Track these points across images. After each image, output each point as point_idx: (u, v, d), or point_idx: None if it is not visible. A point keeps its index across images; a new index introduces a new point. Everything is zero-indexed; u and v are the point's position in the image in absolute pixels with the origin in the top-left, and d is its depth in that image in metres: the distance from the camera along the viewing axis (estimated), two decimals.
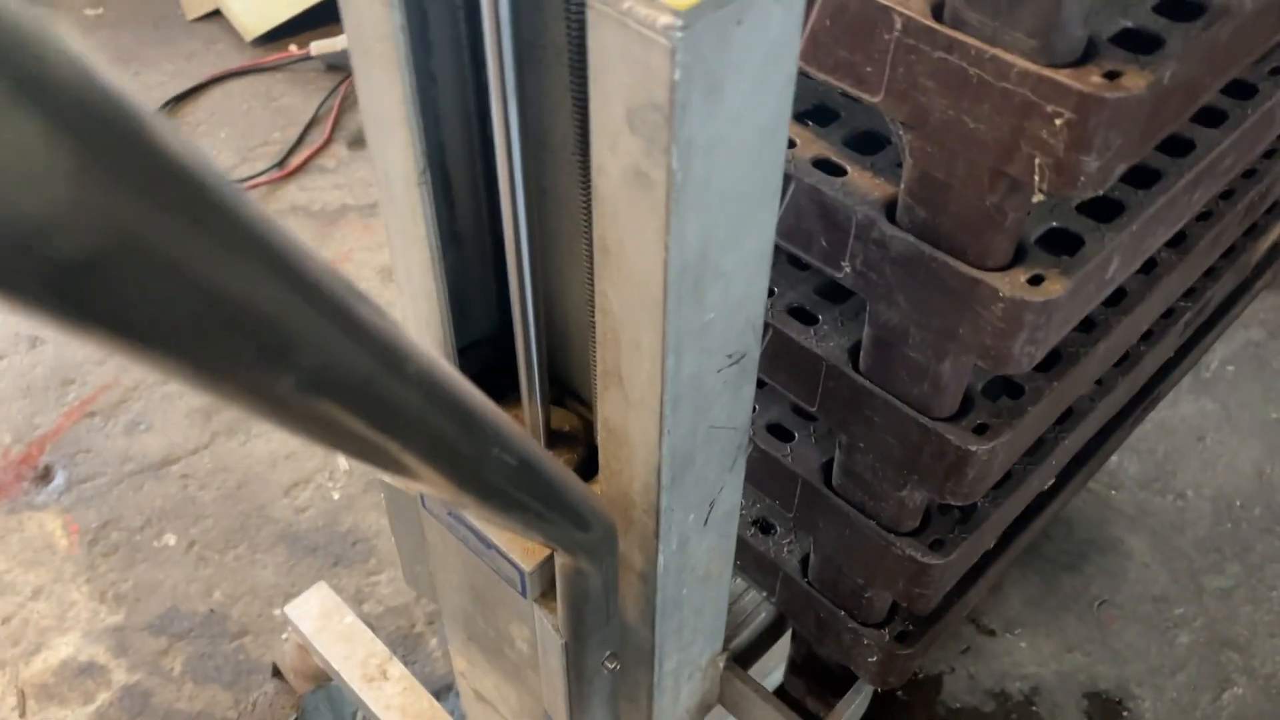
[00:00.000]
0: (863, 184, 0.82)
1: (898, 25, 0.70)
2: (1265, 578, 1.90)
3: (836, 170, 0.83)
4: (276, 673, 1.51)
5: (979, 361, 0.81)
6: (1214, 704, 1.73)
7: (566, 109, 0.74)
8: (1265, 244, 1.36)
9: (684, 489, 0.83)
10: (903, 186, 0.78)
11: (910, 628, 1.12)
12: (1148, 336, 1.14)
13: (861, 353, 0.90)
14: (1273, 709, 1.72)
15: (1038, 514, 1.18)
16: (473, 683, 1.20)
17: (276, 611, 1.83)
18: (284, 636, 1.52)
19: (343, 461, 2.06)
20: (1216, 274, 1.23)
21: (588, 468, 0.94)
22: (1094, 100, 0.63)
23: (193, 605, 1.83)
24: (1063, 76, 0.64)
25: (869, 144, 0.85)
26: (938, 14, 0.69)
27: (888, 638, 1.10)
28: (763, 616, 1.31)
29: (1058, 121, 0.65)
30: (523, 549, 0.90)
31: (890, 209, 0.80)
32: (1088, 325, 0.97)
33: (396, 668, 1.41)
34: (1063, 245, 0.79)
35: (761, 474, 1.06)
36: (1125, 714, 1.72)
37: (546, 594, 0.92)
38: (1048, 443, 1.04)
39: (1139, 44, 0.69)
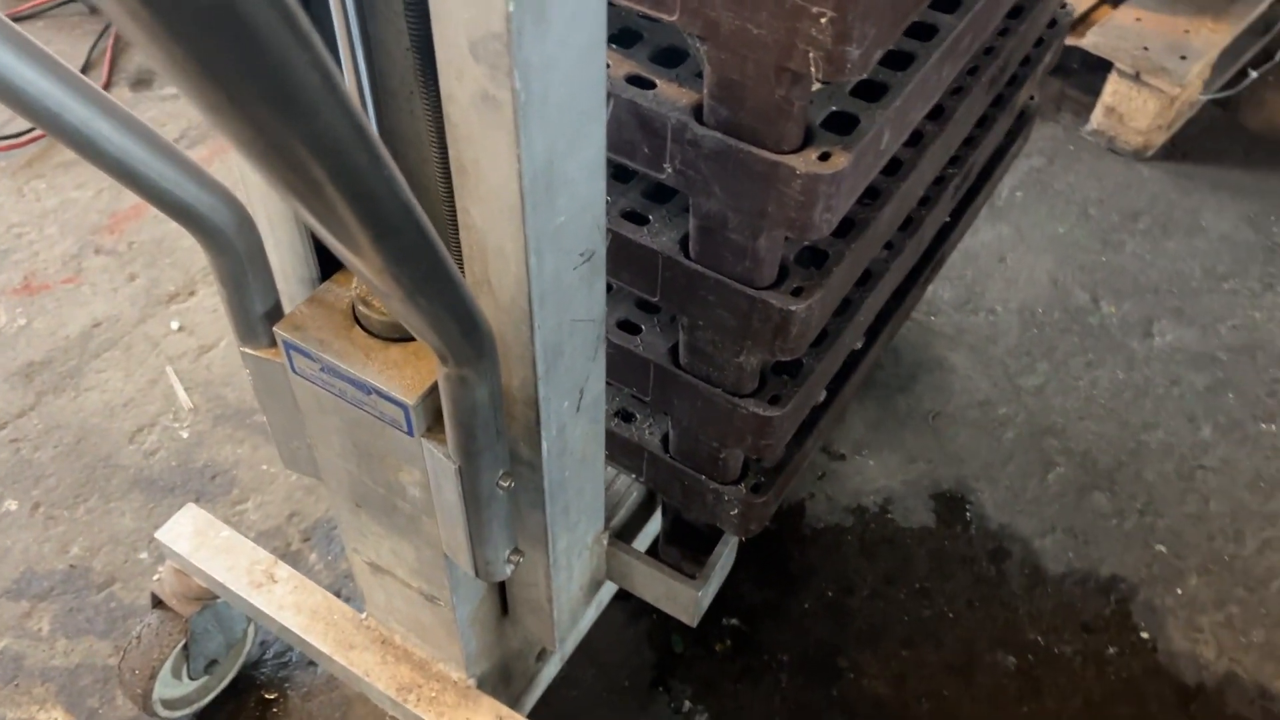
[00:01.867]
0: (671, 93, 0.93)
1: None
2: (1070, 371, 2.10)
3: (647, 84, 0.94)
4: (158, 603, 1.48)
5: (787, 233, 0.94)
6: (1042, 484, 1.92)
7: (402, 53, 0.82)
8: (1013, 113, 1.53)
9: (557, 379, 0.93)
10: (705, 91, 0.89)
11: (762, 480, 1.25)
12: (924, 202, 1.30)
13: (690, 242, 1.02)
14: (1090, 479, 1.92)
15: (854, 367, 1.34)
16: (367, 555, 1.22)
17: (143, 555, 1.78)
18: (158, 573, 1.49)
19: (185, 398, 2.00)
20: (975, 142, 1.39)
21: None
22: (849, 0, 0.76)
23: (49, 564, 1.76)
24: None
25: (671, 58, 0.97)
26: None
27: (744, 491, 1.23)
28: (634, 496, 1.41)
29: (823, 20, 0.77)
30: (403, 384, 0.92)
31: (697, 112, 0.91)
32: (873, 195, 1.12)
33: (283, 569, 1.41)
34: (842, 126, 0.92)
35: (619, 366, 1.16)
36: (968, 506, 1.88)
37: (433, 428, 0.95)
38: (854, 302, 1.21)
39: None
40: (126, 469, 1.90)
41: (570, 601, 1.31)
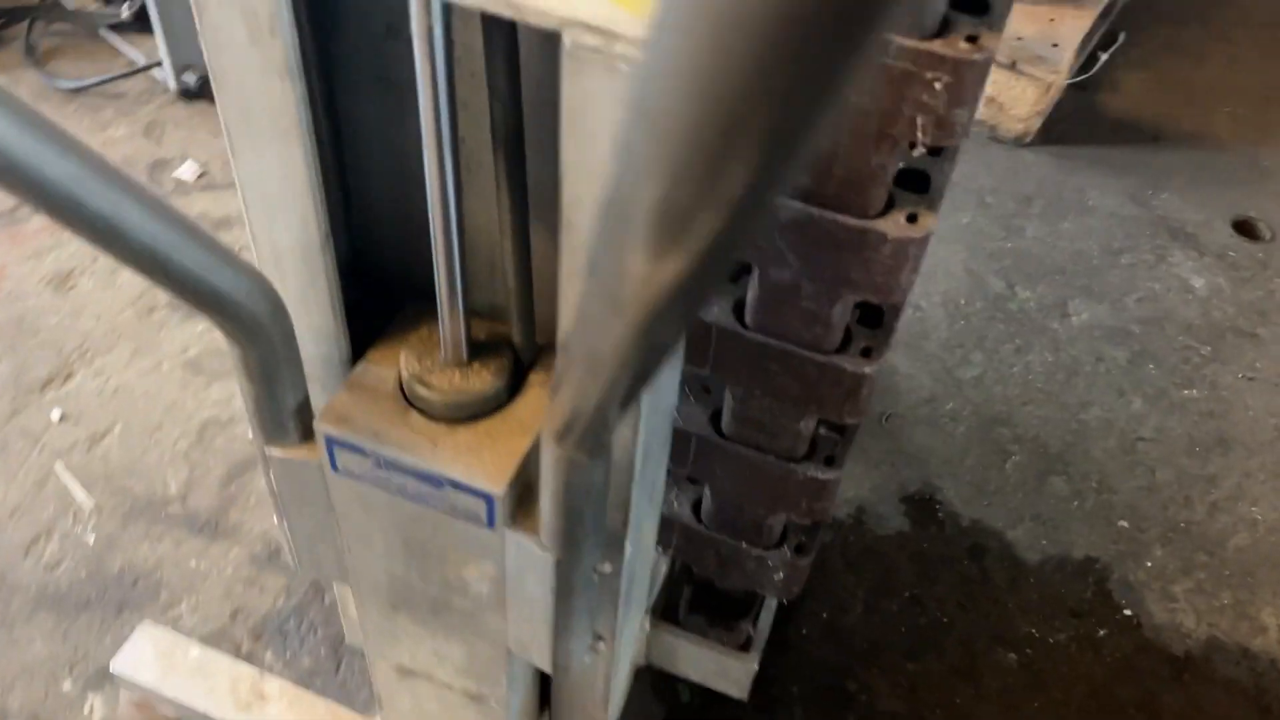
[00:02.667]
0: None
1: None
2: (1003, 358, 2.14)
3: None
4: None
5: (870, 297, 0.91)
6: (1002, 474, 1.93)
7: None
8: None
9: (644, 477, 0.90)
10: None
11: (803, 539, 1.22)
12: None
13: (748, 311, 0.98)
14: (1045, 464, 1.95)
15: None
16: (397, 659, 1.08)
17: (66, 686, 1.55)
18: (89, 702, 1.29)
19: (83, 497, 1.77)
20: None
21: (517, 372, 0.86)
22: (966, 64, 0.74)
23: None
24: (937, 47, 0.73)
25: None
26: None
27: (788, 554, 1.20)
28: (662, 571, 1.34)
29: (938, 85, 0.75)
30: (485, 473, 0.81)
31: None
32: None
33: (271, 683, 1.25)
34: (910, 183, 0.89)
35: None
36: (938, 505, 1.88)
37: (517, 515, 0.84)
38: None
39: (970, 7, 0.78)
40: (27, 588, 1.66)
41: (618, 694, 1.26)
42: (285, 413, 0.85)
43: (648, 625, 1.27)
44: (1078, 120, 2.71)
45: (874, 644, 1.68)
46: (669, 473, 1.14)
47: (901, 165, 0.91)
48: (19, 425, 1.86)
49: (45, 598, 1.65)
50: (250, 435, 0.91)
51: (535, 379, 0.87)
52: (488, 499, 0.81)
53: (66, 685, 1.55)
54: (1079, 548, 1.83)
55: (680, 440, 1.10)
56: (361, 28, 0.77)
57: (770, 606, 1.36)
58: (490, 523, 0.83)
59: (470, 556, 0.88)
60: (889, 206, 0.87)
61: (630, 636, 1.16)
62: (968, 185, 2.51)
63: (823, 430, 1.11)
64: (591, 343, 0.50)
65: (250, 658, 1.59)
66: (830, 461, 1.10)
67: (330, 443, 0.83)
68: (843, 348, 0.98)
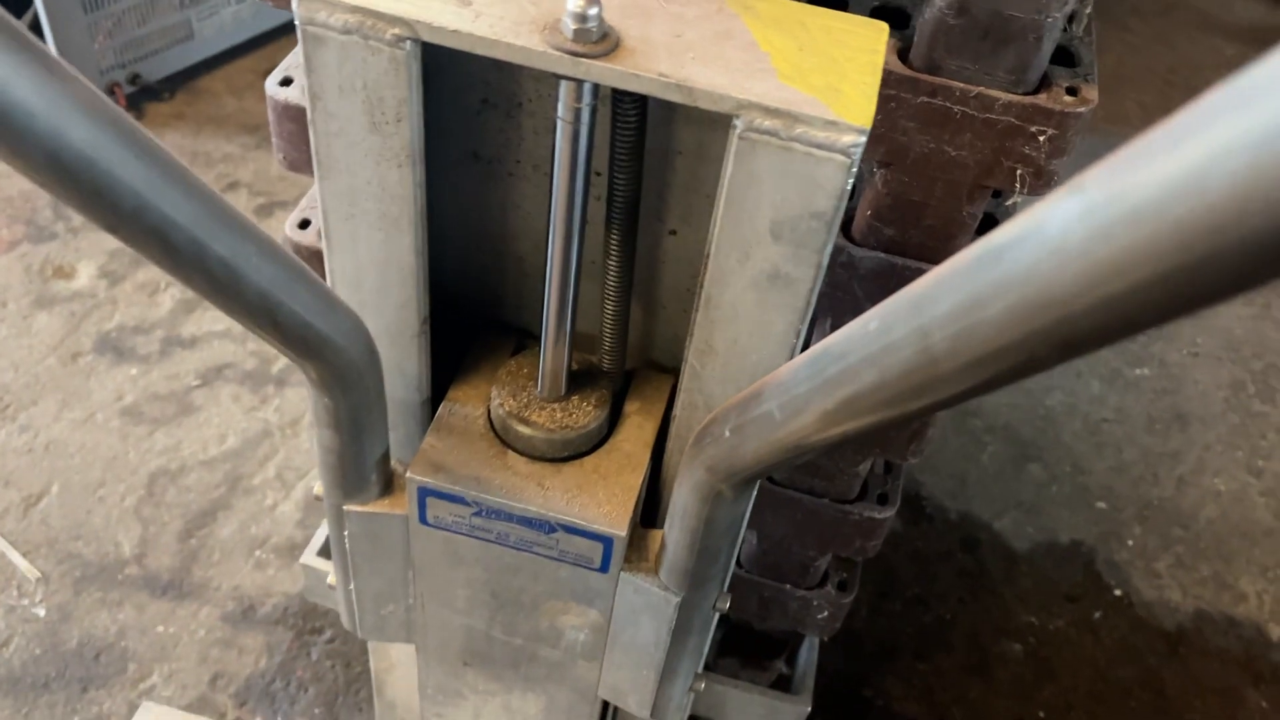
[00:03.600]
0: None
1: None
2: None
3: None
4: None
5: None
6: (980, 465, 1.95)
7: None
8: None
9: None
10: (867, 212, 0.86)
11: (844, 576, 1.23)
12: None
13: None
14: (1020, 450, 1.97)
15: None
16: (459, 718, 1.00)
17: None
18: None
19: (26, 566, 1.60)
20: None
21: (615, 405, 0.80)
22: (1072, 116, 0.75)
23: None
24: (1042, 101, 0.75)
25: None
26: (904, 60, 0.77)
27: (832, 592, 1.22)
28: None
29: (1041, 138, 0.77)
30: (603, 515, 0.74)
31: (846, 230, 0.89)
32: None
33: None
34: (985, 228, 0.90)
35: None
36: (924, 501, 1.87)
37: (632, 559, 0.78)
38: None
39: (1064, 59, 0.80)
40: None
41: None
42: (368, 465, 0.76)
43: (701, 684, 1.22)
44: None
45: (884, 647, 1.66)
46: None
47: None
48: None
49: None
50: (315, 489, 0.82)
51: (630, 408, 0.81)
52: (606, 541, 0.74)
53: None
54: (1064, 532, 1.85)
55: None
56: (456, 103, 0.71)
57: (813, 644, 1.34)
58: (605, 567, 0.77)
59: (573, 604, 0.82)
60: None
61: (685, 695, 1.11)
62: None
63: (876, 469, 1.13)
64: (765, 424, 0.54)
65: None
66: (883, 499, 1.11)
67: (423, 493, 0.76)
68: None
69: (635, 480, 0.76)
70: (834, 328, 0.91)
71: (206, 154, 2.34)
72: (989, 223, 0.92)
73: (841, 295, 0.90)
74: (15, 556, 1.62)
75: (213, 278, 0.55)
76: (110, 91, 2.36)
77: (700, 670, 1.22)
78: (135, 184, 0.47)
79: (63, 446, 1.77)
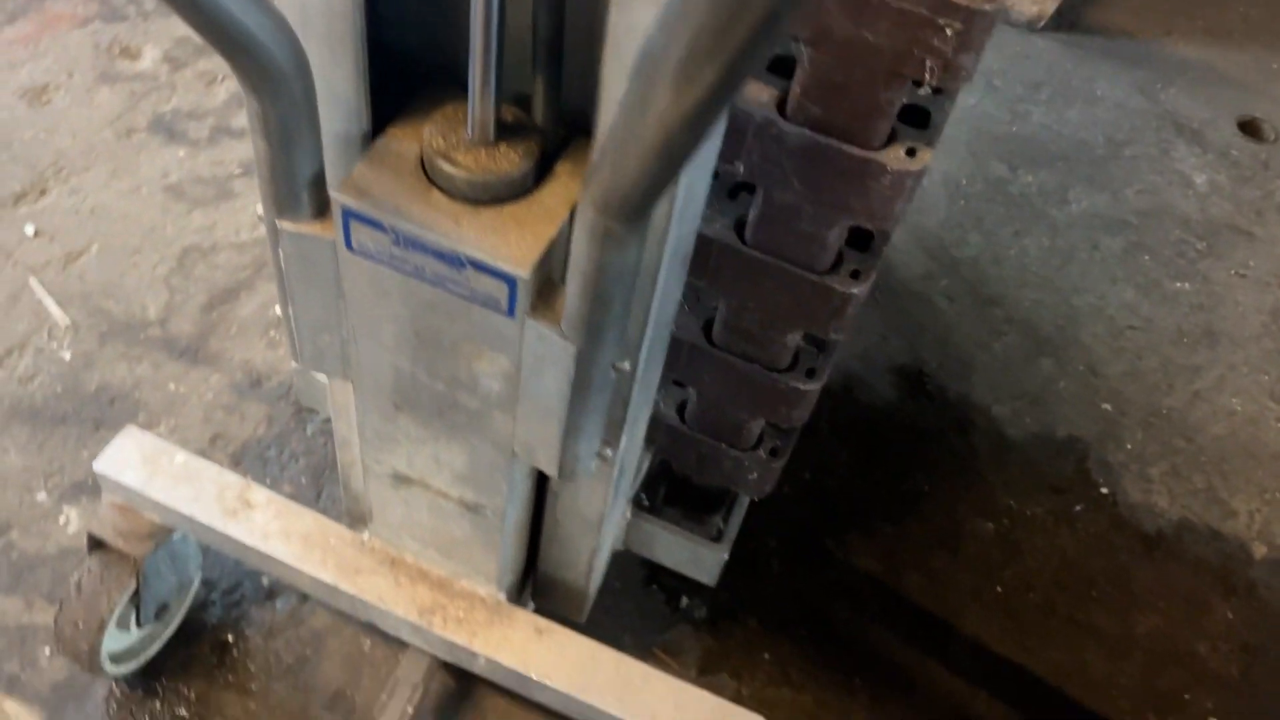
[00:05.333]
0: (751, 89, 0.92)
1: None
2: (1000, 240, 2.12)
3: None
4: (97, 544, 1.26)
5: (865, 224, 0.96)
6: (991, 352, 1.93)
7: None
8: None
9: (647, 376, 0.96)
10: (797, 90, 0.90)
11: (778, 443, 1.28)
12: None
13: (749, 229, 1.03)
14: (1036, 345, 1.95)
15: None
16: (393, 465, 1.06)
17: (41, 496, 1.53)
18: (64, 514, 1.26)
19: (59, 314, 1.71)
20: None
21: (543, 159, 0.82)
22: (979, 14, 0.78)
23: None
24: None
25: None
26: None
27: (763, 455, 1.27)
28: (645, 466, 1.38)
29: (949, 32, 0.79)
30: (510, 254, 0.78)
31: (781, 108, 0.91)
32: None
33: (259, 493, 1.23)
34: (911, 118, 0.93)
35: None
36: (927, 379, 1.87)
37: (537, 305, 0.81)
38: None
39: None
40: (0, 400, 1.62)
41: (598, 577, 1.30)
42: (300, 182, 0.81)
43: (629, 513, 1.31)
44: (1092, 9, 2.65)
45: (855, 507, 1.69)
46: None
47: (905, 101, 0.94)
48: None
49: (19, 411, 1.61)
50: (260, 211, 0.86)
51: (562, 169, 0.83)
52: (510, 282, 0.78)
53: (41, 496, 1.53)
54: (1062, 427, 1.84)
55: (673, 346, 1.15)
56: None
57: (743, 505, 1.41)
58: (511, 310, 0.80)
59: (485, 348, 0.86)
60: (891, 140, 0.91)
61: (613, 525, 1.22)
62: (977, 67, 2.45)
63: (806, 344, 1.17)
64: (631, 134, 0.57)
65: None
66: (811, 374, 1.16)
67: (347, 216, 0.80)
68: (833, 269, 1.03)
69: (548, 230, 0.79)
70: (765, 200, 0.99)
71: None
72: (913, 112, 0.94)
73: (771, 167, 0.94)
74: (50, 304, 1.73)
75: None
76: None
77: (628, 514, 1.31)
78: None
79: (107, 212, 1.87)
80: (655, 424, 1.28)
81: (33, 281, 1.75)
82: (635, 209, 0.67)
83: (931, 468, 1.76)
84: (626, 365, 0.83)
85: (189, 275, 1.80)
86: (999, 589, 1.63)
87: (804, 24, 0.84)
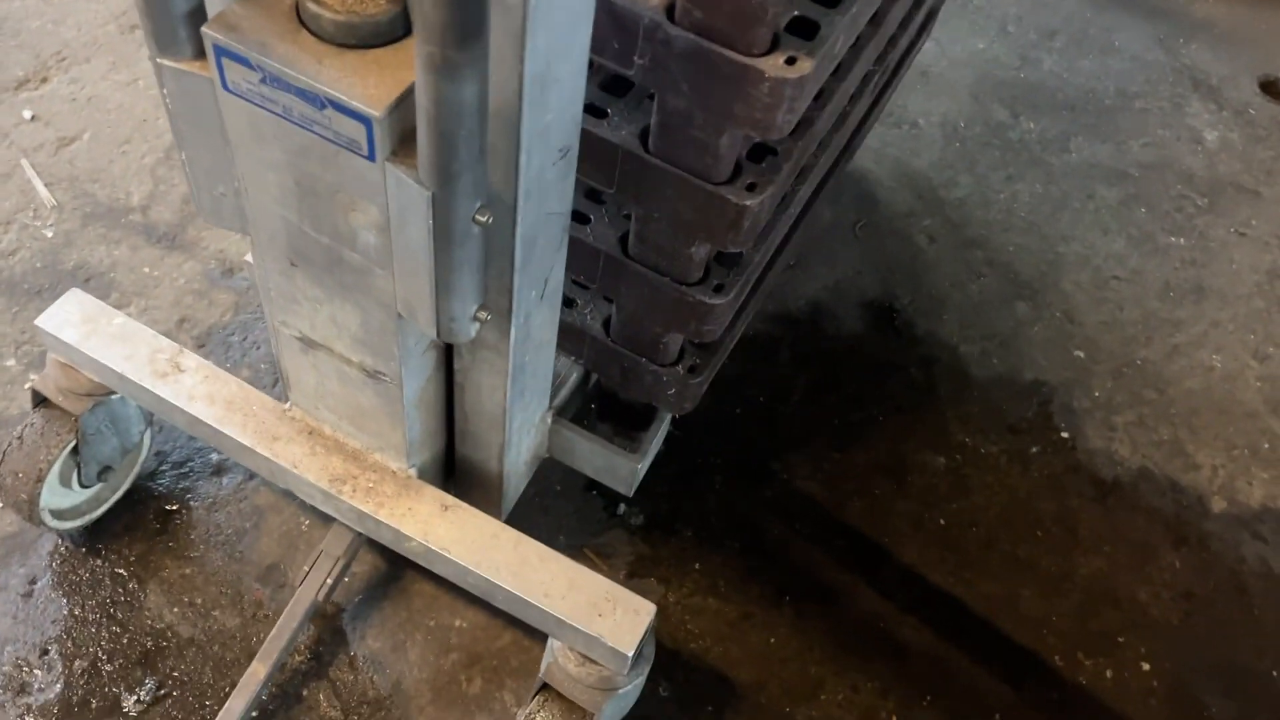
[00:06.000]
0: None
1: None
2: (991, 184, 2.09)
3: None
4: (41, 401, 1.31)
5: (750, 132, 0.96)
6: (966, 293, 1.91)
7: None
8: (927, 10, 1.57)
9: (529, 270, 0.99)
10: None
11: (697, 361, 1.30)
12: (853, 98, 1.34)
13: (650, 137, 1.04)
14: (1014, 289, 1.93)
15: (779, 253, 1.39)
16: (298, 328, 1.09)
17: (10, 362, 1.59)
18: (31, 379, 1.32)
19: (46, 194, 1.77)
20: (895, 41, 1.43)
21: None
22: None
23: None
24: None
25: None
26: None
27: (682, 372, 1.30)
28: (574, 377, 1.41)
29: None
30: (366, 95, 0.79)
31: (670, 12, 0.92)
32: (815, 94, 1.14)
33: (190, 358, 1.27)
34: (803, 30, 0.95)
35: (567, 256, 1.16)
36: (896, 314, 1.86)
37: (399, 152, 0.83)
38: (789, 195, 1.24)
39: None
40: None
41: (516, 477, 1.33)
42: (176, 17, 0.83)
43: (550, 420, 1.35)
44: None
45: (805, 432, 1.70)
46: (582, 286, 1.25)
47: (796, 13, 0.98)
48: None
49: None
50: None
51: None
52: (366, 122, 0.80)
53: (10, 362, 1.59)
54: (1029, 371, 1.82)
55: (591, 257, 1.18)
56: None
57: (664, 420, 1.43)
58: (371, 154, 0.82)
59: (355, 199, 0.88)
60: (774, 48, 0.92)
61: (524, 430, 1.26)
62: (990, 11, 2.41)
63: (717, 263, 1.19)
64: None
65: None
66: (719, 289, 1.17)
67: (219, 53, 0.82)
68: (732, 180, 1.04)
69: (410, 76, 0.80)
70: (657, 106, 1.01)
71: None
72: (805, 25, 0.96)
73: (661, 72, 0.95)
74: (39, 184, 1.79)
75: None
76: None
77: (549, 421, 1.34)
78: None
79: (102, 102, 1.92)
80: (581, 336, 1.31)
81: (24, 162, 1.81)
82: (460, 34, 0.68)
83: (888, 400, 1.75)
84: (487, 218, 0.84)
85: (174, 168, 1.85)
86: (941, 521, 1.63)
87: None
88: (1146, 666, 1.53)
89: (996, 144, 2.15)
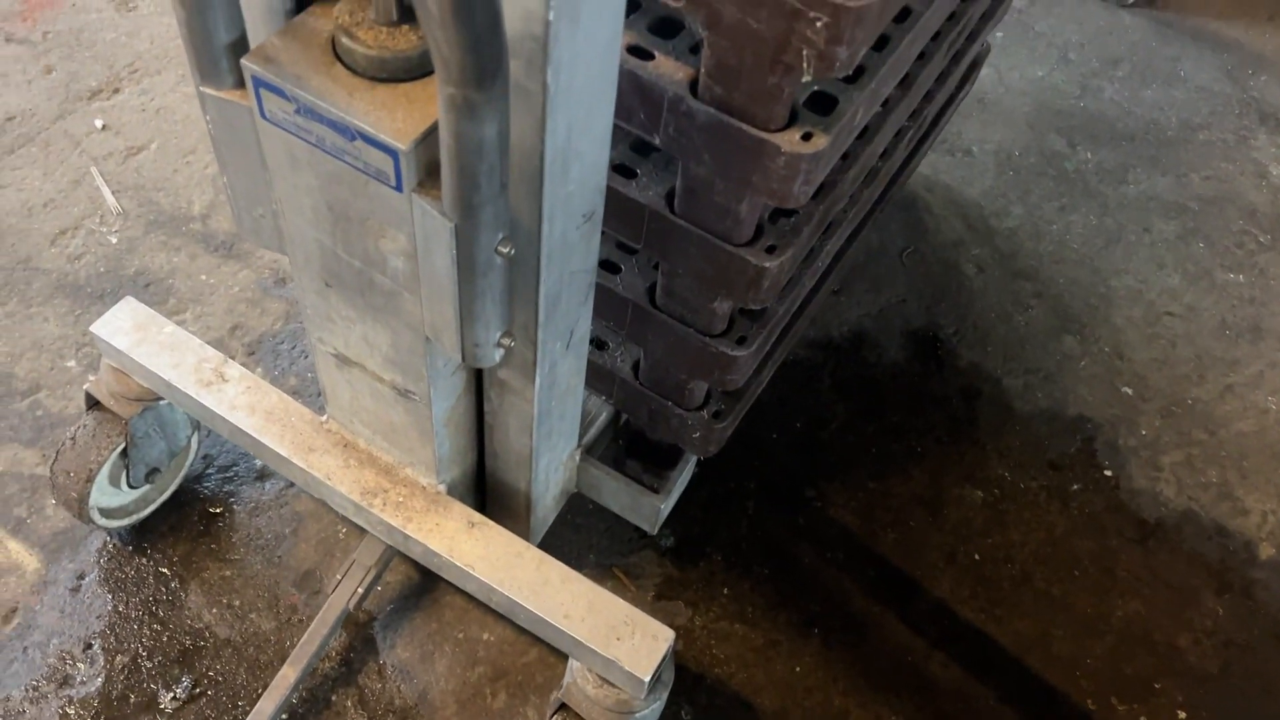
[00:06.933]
0: (668, 67, 0.97)
1: None
2: (1044, 215, 2.06)
3: (646, 55, 0.98)
4: (94, 404, 1.37)
5: (768, 200, 1.00)
6: (1012, 325, 1.89)
7: None
8: (967, 64, 1.56)
9: (553, 323, 1.03)
10: (702, 70, 0.94)
11: (722, 407, 1.34)
12: (884, 155, 1.37)
13: (676, 199, 1.08)
14: (1062, 322, 1.90)
15: (808, 304, 1.43)
16: (334, 345, 1.12)
17: (70, 363, 1.65)
18: (89, 379, 1.37)
19: (113, 201, 1.84)
20: (931, 96, 1.44)
21: None
22: (844, 9, 0.82)
23: None
24: None
25: (668, 29, 1.00)
26: None
27: (706, 417, 1.34)
28: (603, 416, 1.45)
29: (818, 24, 0.83)
30: (394, 128, 0.82)
31: (693, 87, 0.96)
32: (841, 156, 1.18)
33: (234, 368, 1.31)
34: (823, 105, 0.98)
35: (599, 301, 1.22)
36: (939, 344, 1.85)
37: (425, 183, 0.85)
38: (815, 250, 1.27)
39: None
40: (48, 273, 1.75)
41: (544, 510, 1.37)
42: (219, 49, 0.86)
43: (578, 457, 1.38)
44: None
45: (842, 460, 1.69)
46: (613, 330, 1.29)
47: (815, 88, 1.01)
48: (63, 128, 1.94)
49: (64, 284, 1.74)
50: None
51: None
52: (394, 155, 0.82)
53: (70, 363, 1.65)
54: (1074, 406, 1.80)
55: (620, 305, 1.24)
56: None
57: (690, 460, 1.46)
58: (398, 185, 0.85)
59: (384, 226, 0.90)
60: (792, 122, 0.95)
61: (551, 469, 1.30)
62: (1052, 39, 2.38)
63: (739, 313, 1.23)
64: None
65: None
66: (742, 341, 1.21)
67: (257, 84, 0.85)
68: (753, 241, 1.08)
69: (436, 109, 0.83)
70: (681, 172, 1.04)
71: None
72: (822, 99, 0.99)
73: (684, 141, 0.99)
74: (106, 192, 1.85)
75: None
76: None
77: (577, 458, 1.37)
78: None
79: (170, 113, 1.99)
80: (611, 378, 1.35)
81: (94, 170, 1.88)
82: (478, 74, 0.70)
83: (927, 430, 1.74)
84: (509, 250, 0.86)
85: None
86: (976, 556, 1.61)
87: (700, 7, 0.88)
88: (1184, 715, 1.50)
89: (1051, 174, 2.12)
